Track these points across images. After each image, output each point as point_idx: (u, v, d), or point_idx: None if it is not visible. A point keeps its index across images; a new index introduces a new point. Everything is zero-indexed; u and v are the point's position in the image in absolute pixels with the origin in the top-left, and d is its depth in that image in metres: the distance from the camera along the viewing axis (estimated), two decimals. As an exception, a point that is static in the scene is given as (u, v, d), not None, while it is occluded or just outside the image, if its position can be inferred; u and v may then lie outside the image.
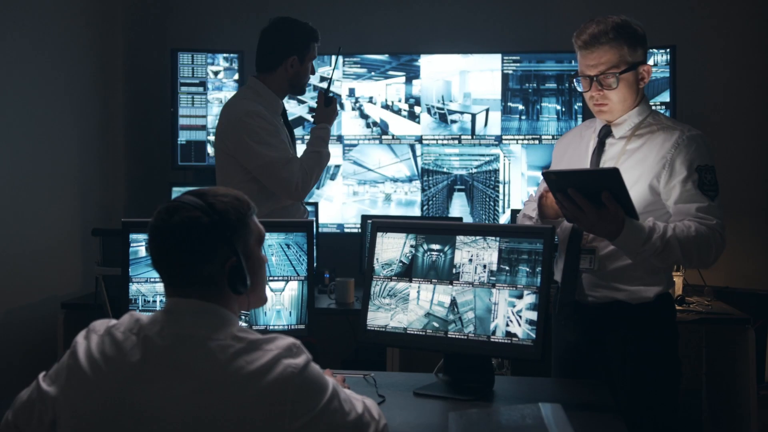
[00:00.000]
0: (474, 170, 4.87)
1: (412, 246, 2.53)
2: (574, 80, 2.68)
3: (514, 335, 2.36)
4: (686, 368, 4.50)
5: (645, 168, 2.56)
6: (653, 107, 4.41)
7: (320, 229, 4.71)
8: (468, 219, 4.81)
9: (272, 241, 2.59)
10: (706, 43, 4.89)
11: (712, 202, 2.48)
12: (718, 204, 2.50)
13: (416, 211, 4.85)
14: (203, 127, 4.99)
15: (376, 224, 2.60)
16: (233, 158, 3.47)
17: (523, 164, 4.80)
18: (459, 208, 4.86)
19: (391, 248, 2.55)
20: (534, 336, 2.32)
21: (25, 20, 4.08)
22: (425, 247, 2.51)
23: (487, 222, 4.76)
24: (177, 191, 4.84)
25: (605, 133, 2.69)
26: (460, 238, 2.47)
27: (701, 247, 2.43)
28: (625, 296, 2.58)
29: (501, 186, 4.84)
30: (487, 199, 4.85)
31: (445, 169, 4.88)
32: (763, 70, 4.88)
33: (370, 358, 4.29)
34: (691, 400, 4.61)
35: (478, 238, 2.45)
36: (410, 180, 4.86)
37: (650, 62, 4.50)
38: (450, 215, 4.85)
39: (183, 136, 4.97)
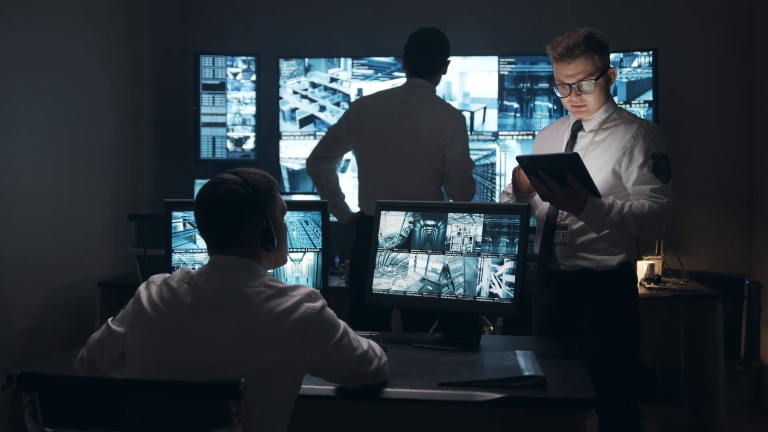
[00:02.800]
0: None
1: (410, 222, 2.97)
2: (554, 88, 3.09)
3: (496, 295, 2.79)
4: (666, 343, 4.88)
5: (609, 156, 2.98)
6: (638, 105, 4.92)
7: (331, 218, 5.05)
8: (467, 208, 5.15)
9: (293, 218, 3.00)
10: (686, 46, 5.21)
11: (665, 184, 2.89)
12: (670, 186, 2.91)
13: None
14: (223, 125, 5.30)
15: (380, 204, 3.04)
16: (436, 153, 3.92)
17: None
18: None
19: (392, 224, 2.99)
20: (512, 296, 2.76)
21: (63, 26, 4.45)
22: (421, 222, 2.95)
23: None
24: (199, 183, 5.17)
25: (577, 127, 3.11)
26: (450, 215, 2.91)
27: (653, 221, 2.84)
28: (592, 264, 3.00)
29: (497, 178, 5.16)
30: (485, 190, 5.15)
31: None
32: (740, 70, 5.20)
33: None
34: (670, 374, 4.97)
35: (465, 214, 2.88)
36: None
37: (634, 63, 4.95)
38: None
39: (205, 133, 5.30)
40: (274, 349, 2.01)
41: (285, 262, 2.32)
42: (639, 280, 4.37)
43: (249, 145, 5.39)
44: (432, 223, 2.93)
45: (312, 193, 5.13)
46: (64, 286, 4.45)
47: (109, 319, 2.22)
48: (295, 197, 5.09)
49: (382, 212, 3.02)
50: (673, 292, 4.28)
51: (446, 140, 3.91)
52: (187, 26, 5.71)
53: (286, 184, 5.36)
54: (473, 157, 5.06)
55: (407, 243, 2.96)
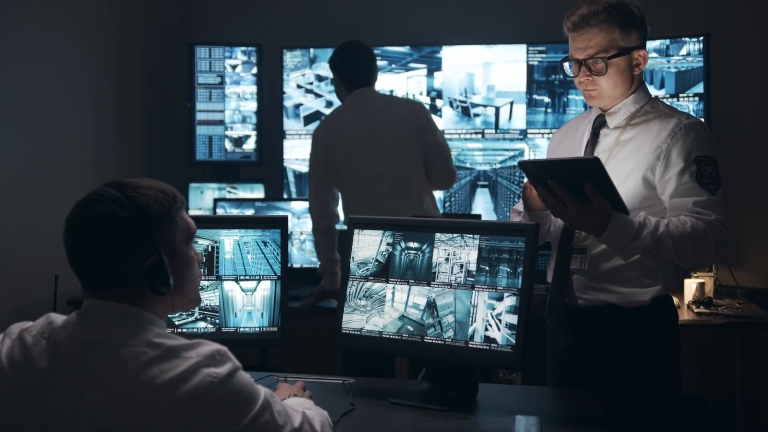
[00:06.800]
0: (498, 165, 4.74)
1: (388, 244, 2.37)
2: (565, 64, 2.50)
3: (494, 341, 2.18)
4: (718, 374, 4.32)
5: (639, 159, 2.38)
6: (687, 99, 4.33)
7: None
8: (491, 216, 4.67)
9: (248, 238, 2.47)
10: (742, 30, 4.68)
11: (712, 196, 2.28)
12: (718, 198, 2.30)
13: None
14: (221, 122, 4.95)
15: (353, 220, 2.46)
16: (417, 137, 3.84)
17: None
18: (482, 204, 4.73)
19: (367, 246, 2.39)
20: (514, 342, 2.14)
21: (43, 14, 4.05)
22: (402, 245, 2.35)
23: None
24: (194, 188, 4.80)
25: (599, 123, 2.50)
26: (438, 236, 2.31)
27: (698, 244, 2.23)
28: (618, 299, 2.39)
29: (526, 181, 4.63)
30: (512, 196, 4.71)
31: (467, 165, 4.74)
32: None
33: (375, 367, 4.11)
34: (724, 404, 4.44)
35: (455, 235, 2.28)
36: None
37: (683, 51, 4.36)
38: (473, 212, 4.71)
39: (201, 132, 4.94)
40: (157, 433, 1.45)
41: (195, 304, 1.76)
42: (687, 303, 3.83)
43: (250, 145, 5.01)
44: (415, 245, 2.33)
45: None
46: (31, 303, 3.98)
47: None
48: (295, 204, 4.56)
49: (356, 231, 2.43)
50: (727, 318, 3.73)
51: (422, 122, 3.87)
52: (181, 14, 5.34)
53: (293, 188, 4.97)
54: (498, 158, 4.66)
55: (384, 270, 2.36)
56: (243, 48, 4.95)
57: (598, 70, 2.39)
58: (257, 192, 4.84)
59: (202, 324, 2.42)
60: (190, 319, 2.39)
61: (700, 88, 4.42)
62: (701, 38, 4.42)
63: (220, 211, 4.56)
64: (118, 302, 1.57)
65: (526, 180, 2.41)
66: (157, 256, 1.58)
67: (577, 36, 2.42)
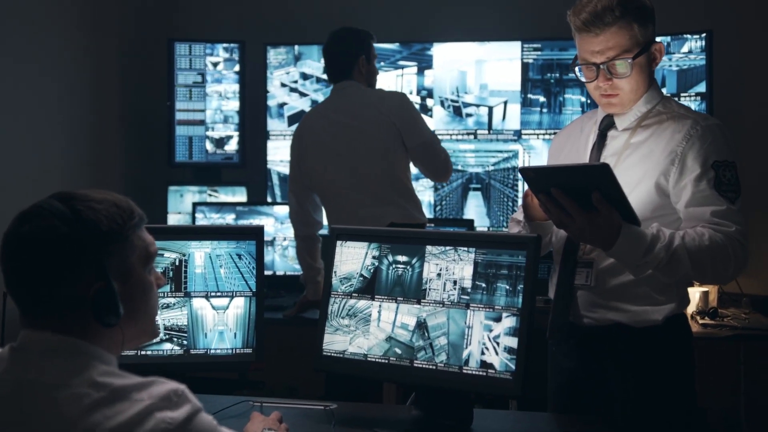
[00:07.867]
0: (491, 168, 4.59)
1: (374, 257, 2.16)
2: (576, 69, 2.28)
3: (491, 366, 1.97)
4: (723, 385, 4.16)
5: (651, 164, 2.18)
6: (689, 99, 4.14)
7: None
8: (484, 221, 4.48)
9: (221, 251, 2.26)
10: (747, 27, 4.51)
11: (732, 205, 2.09)
12: (738, 207, 2.12)
13: (427, 213, 4.50)
14: (202, 122, 4.79)
15: (335, 231, 2.24)
16: (393, 133, 3.59)
17: (545, 161, 4.42)
18: (474, 209, 4.56)
19: (351, 259, 2.18)
20: (513, 367, 1.93)
21: (16, 6, 3.86)
22: (390, 258, 2.14)
23: (504, 225, 4.42)
24: (174, 191, 4.61)
25: (607, 124, 2.30)
26: (429, 249, 2.10)
27: (716, 259, 2.05)
28: (628, 318, 2.19)
29: (520, 184, 4.51)
30: (506, 199, 4.54)
31: (459, 167, 4.58)
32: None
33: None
34: (727, 420, 4.29)
35: (448, 248, 2.07)
36: (417, 179, 4.50)
37: (685, 48, 4.22)
38: (465, 217, 4.54)
39: (180, 132, 4.77)
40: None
41: (151, 337, 1.54)
42: (691, 314, 3.64)
43: (232, 146, 4.84)
44: (404, 259, 2.12)
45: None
46: (13, 316, 3.76)
47: None
48: (279, 208, 4.36)
49: (338, 243, 2.21)
50: (733, 330, 3.56)
51: (403, 118, 3.61)
52: (160, 10, 5.14)
53: (277, 191, 4.81)
54: (492, 160, 4.47)
55: (370, 286, 2.15)
56: (225, 45, 4.79)
57: (621, 73, 2.18)
58: (239, 195, 4.66)
59: (168, 345, 2.20)
60: (155, 341, 2.17)
61: (702, 87, 4.27)
62: (703, 35, 4.26)
63: (199, 216, 4.35)
64: (59, 334, 1.35)
65: (527, 187, 2.20)
66: (105, 281, 1.36)
67: (591, 38, 2.19)
